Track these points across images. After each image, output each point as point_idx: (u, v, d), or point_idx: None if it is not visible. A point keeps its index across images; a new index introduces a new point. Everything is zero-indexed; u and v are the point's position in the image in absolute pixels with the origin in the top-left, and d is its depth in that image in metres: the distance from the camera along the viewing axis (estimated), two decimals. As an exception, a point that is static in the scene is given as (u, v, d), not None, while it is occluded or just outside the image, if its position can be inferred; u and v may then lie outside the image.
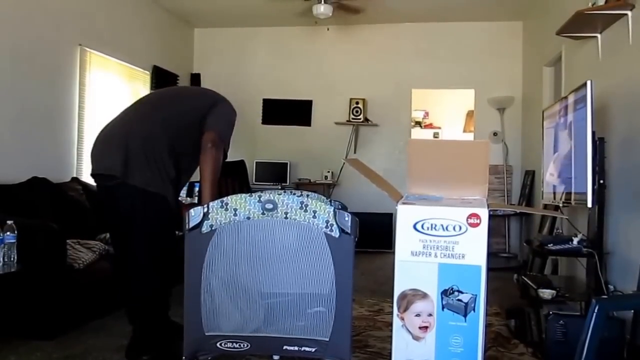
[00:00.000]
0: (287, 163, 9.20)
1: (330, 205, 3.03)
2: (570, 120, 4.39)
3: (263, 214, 2.83)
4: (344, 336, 2.84)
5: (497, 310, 5.02)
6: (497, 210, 7.84)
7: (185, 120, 3.74)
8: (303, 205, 2.80)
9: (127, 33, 7.65)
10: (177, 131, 3.68)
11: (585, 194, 3.93)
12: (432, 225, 2.63)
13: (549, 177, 4.97)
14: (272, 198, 2.83)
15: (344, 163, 8.86)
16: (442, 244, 2.63)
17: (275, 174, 9.18)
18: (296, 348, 2.87)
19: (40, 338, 4.11)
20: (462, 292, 2.61)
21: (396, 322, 2.70)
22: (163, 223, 3.64)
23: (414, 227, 2.64)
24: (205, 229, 2.85)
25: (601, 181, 4.10)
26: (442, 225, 2.62)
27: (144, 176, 3.53)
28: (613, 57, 4.79)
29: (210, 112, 3.76)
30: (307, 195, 3.27)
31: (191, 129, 3.69)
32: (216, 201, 2.87)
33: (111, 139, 3.69)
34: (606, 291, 4.09)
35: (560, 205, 4.74)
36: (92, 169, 3.70)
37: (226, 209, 2.84)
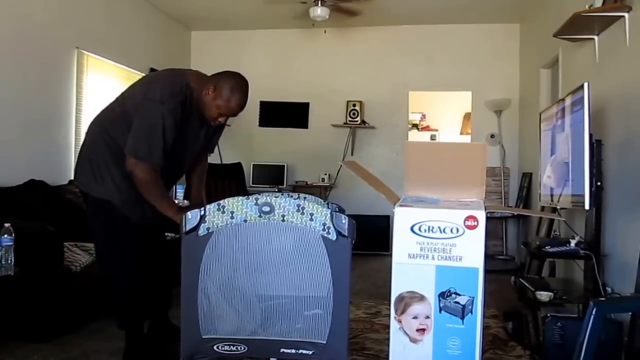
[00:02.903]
0: (284, 165, 9.20)
1: (328, 207, 3.02)
2: (568, 123, 4.39)
3: (260, 216, 2.82)
4: (341, 339, 2.83)
5: (495, 313, 5.01)
6: (494, 212, 7.85)
7: (115, 117, 3.63)
8: (300, 208, 2.79)
9: (124, 36, 7.64)
10: (113, 129, 3.58)
11: (583, 196, 3.92)
12: (429, 227, 2.63)
13: (546, 179, 4.97)
14: (269, 201, 2.82)
15: (341, 165, 8.86)
16: (439, 246, 2.62)
17: (272, 177, 9.17)
18: (293, 351, 2.86)
19: (37, 341, 4.10)
20: (459, 295, 2.60)
21: (393, 324, 2.69)
22: (111, 230, 3.66)
23: (411, 229, 2.63)
24: (202, 231, 2.84)
25: (598, 183, 4.11)
26: (439, 228, 2.62)
27: (87, 182, 3.71)
28: (610, 59, 4.80)
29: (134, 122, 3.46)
30: (304, 198, 3.26)
31: (122, 122, 3.55)
32: (213, 204, 2.86)
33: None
34: (604, 293, 4.09)
35: (558, 207, 4.74)
36: None
37: (223, 212, 2.83)
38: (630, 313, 3.57)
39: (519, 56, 8.73)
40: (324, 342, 2.82)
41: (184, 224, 2.86)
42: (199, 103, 3.54)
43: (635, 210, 4.19)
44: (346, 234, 2.77)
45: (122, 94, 3.80)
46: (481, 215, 2.58)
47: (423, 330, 2.65)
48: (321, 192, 8.86)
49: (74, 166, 3.87)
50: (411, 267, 2.64)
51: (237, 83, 3.57)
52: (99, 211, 3.67)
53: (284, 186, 9.09)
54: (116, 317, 3.82)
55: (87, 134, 3.81)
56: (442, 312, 2.62)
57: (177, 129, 3.49)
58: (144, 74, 7.85)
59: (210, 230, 2.84)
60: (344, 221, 2.77)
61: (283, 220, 2.80)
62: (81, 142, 3.90)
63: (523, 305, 4.58)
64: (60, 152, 6.34)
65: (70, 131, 6.47)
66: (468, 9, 8.19)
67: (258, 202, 2.82)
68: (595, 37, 5.02)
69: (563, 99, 4.58)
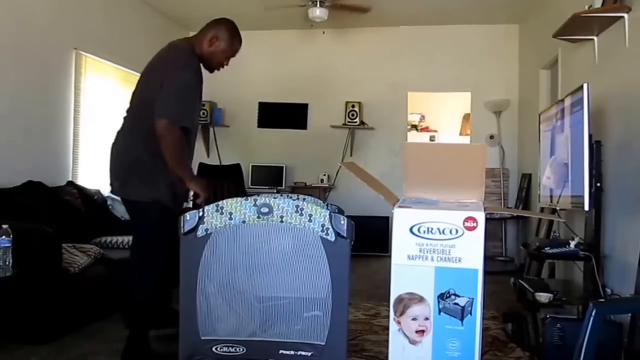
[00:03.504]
0: (282, 166, 9.19)
1: (326, 208, 3.02)
2: (567, 124, 4.39)
3: (259, 217, 2.82)
4: (340, 340, 2.82)
5: (494, 314, 5.01)
6: (493, 213, 7.85)
7: (148, 108, 3.62)
8: (299, 209, 2.78)
9: (122, 37, 7.63)
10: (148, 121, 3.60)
11: (582, 197, 3.91)
12: (428, 228, 2.62)
13: (546, 180, 4.96)
14: (268, 202, 2.82)
15: (340, 166, 8.84)
16: (438, 248, 2.61)
17: (271, 178, 9.16)
18: (292, 352, 2.85)
19: (35, 342, 4.09)
20: (458, 296, 2.59)
21: (392, 326, 2.68)
22: (159, 230, 3.69)
23: (411, 230, 2.63)
24: (200, 232, 2.83)
25: (598, 184, 4.09)
26: (438, 229, 2.61)
27: (135, 192, 3.75)
28: (610, 59, 4.79)
29: (162, 91, 3.59)
30: (303, 199, 3.25)
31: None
32: (211, 205, 2.85)
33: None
34: (603, 295, 4.08)
35: (557, 208, 4.74)
36: None
37: (221, 213, 2.83)
38: (629, 314, 3.57)
39: (518, 57, 8.72)
40: (323, 343, 2.82)
41: (182, 225, 2.85)
42: (206, 55, 3.86)
43: (635, 211, 4.18)
44: (345, 235, 2.76)
45: (138, 99, 3.88)
46: (480, 217, 2.57)
47: (422, 331, 2.64)
48: (320, 193, 8.84)
49: (111, 180, 3.94)
50: (410, 269, 2.64)
51: (231, 26, 4.02)
52: (150, 213, 3.68)
53: (283, 187, 9.08)
54: (130, 316, 3.81)
55: (125, 151, 3.83)
56: (442, 313, 2.61)
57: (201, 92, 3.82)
58: (142, 75, 7.87)
59: (208, 232, 2.84)
60: (342, 222, 2.77)
61: (282, 222, 2.80)
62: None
63: (522, 307, 4.59)
64: (58, 153, 6.32)
65: (69, 132, 6.45)
66: (467, 9, 8.18)
67: (257, 203, 2.81)
68: (595, 38, 5.01)
69: (562, 100, 4.57)
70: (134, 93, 3.93)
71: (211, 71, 3.98)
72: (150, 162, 3.65)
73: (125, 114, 3.94)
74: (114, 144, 3.93)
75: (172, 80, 3.62)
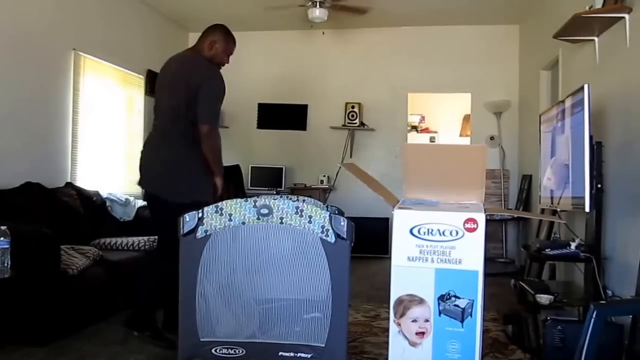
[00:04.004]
0: (282, 168, 9.17)
1: (326, 210, 3.01)
2: (568, 124, 4.38)
3: (258, 219, 2.81)
4: (339, 342, 2.82)
5: (495, 316, 4.99)
6: (494, 215, 7.84)
7: (184, 114, 4.06)
8: (298, 210, 2.78)
9: (121, 37, 7.61)
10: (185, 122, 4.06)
11: (583, 198, 3.90)
12: (428, 230, 2.61)
13: (547, 181, 4.95)
14: (268, 203, 2.81)
15: (339, 167, 8.83)
16: (438, 249, 2.60)
17: (271, 179, 9.14)
18: (292, 354, 2.85)
19: (33, 344, 4.07)
20: (459, 298, 2.59)
21: (393, 328, 2.67)
22: None
23: (411, 232, 2.62)
24: (200, 234, 2.83)
25: (599, 185, 4.08)
26: (438, 230, 2.60)
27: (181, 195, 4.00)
28: (610, 60, 4.78)
29: (198, 97, 4.03)
30: (303, 200, 3.24)
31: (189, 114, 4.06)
32: (211, 206, 2.85)
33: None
34: (604, 296, 4.07)
35: (558, 209, 4.73)
36: None
37: (221, 214, 2.82)
38: (630, 316, 3.56)
39: (518, 58, 8.71)
40: (323, 345, 2.81)
41: (181, 226, 2.85)
42: (213, 59, 4.31)
43: (635, 212, 4.17)
44: (345, 237, 2.76)
45: (168, 107, 4.21)
46: (481, 218, 2.56)
47: (422, 333, 2.63)
48: (320, 194, 8.83)
49: (156, 186, 4.18)
50: (410, 270, 2.63)
51: (225, 29, 4.43)
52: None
53: (283, 188, 9.06)
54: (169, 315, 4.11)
55: (160, 154, 4.18)
56: (442, 315, 2.61)
57: None
58: (141, 76, 7.91)
59: (208, 233, 2.84)
60: (342, 223, 2.76)
61: (281, 223, 2.80)
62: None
63: (523, 309, 4.57)
64: (57, 154, 6.29)
65: (67, 133, 6.42)
66: (467, 10, 8.17)
67: (256, 204, 2.81)
68: (596, 39, 5.00)
69: (563, 101, 4.56)
70: (159, 102, 4.33)
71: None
72: (189, 164, 4.07)
73: (155, 121, 4.34)
74: (147, 146, 4.34)
75: (207, 88, 4.07)
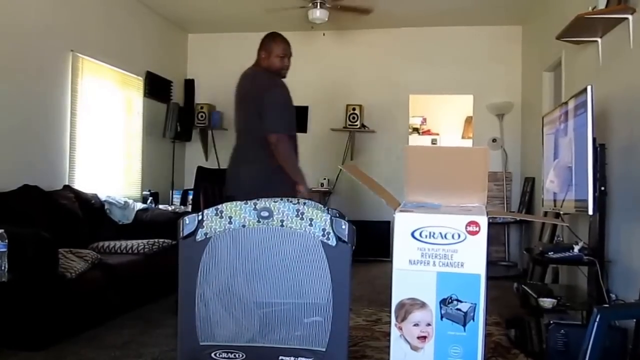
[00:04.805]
0: (283, 170, 9.13)
1: (327, 213, 2.98)
2: (571, 126, 4.35)
3: (258, 221, 2.78)
4: (341, 346, 2.79)
5: (497, 320, 4.97)
6: (496, 217, 7.82)
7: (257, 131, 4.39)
8: (299, 213, 2.75)
9: (120, 39, 7.60)
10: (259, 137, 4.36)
11: (586, 201, 3.88)
12: (430, 233, 2.58)
13: (549, 184, 4.93)
14: (268, 206, 2.78)
15: (340, 170, 8.81)
16: (440, 253, 2.57)
17: (271, 181, 9.10)
18: (292, 358, 2.82)
19: (31, 349, 4.05)
20: (461, 302, 2.56)
21: (394, 332, 2.64)
22: None
23: (412, 235, 2.59)
24: (199, 237, 2.80)
25: (602, 188, 4.06)
26: (440, 233, 2.57)
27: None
28: (614, 61, 4.76)
29: (262, 109, 4.33)
30: (304, 203, 3.22)
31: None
32: (211, 209, 2.82)
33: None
34: (608, 300, 4.05)
35: (561, 212, 4.70)
36: None
37: (221, 217, 2.79)
38: (634, 320, 3.53)
39: (521, 59, 8.68)
40: (324, 349, 2.78)
41: (181, 229, 2.82)
42: (270, 68, 4.56)
43: (639, 215, 4.14)
44: (346, 240, 2.73)
45: (243, 125, 4.58)
46: (483, 221, 2.53)
47: (424, 337, 2.61)
48: (320, 197, 8.80)
49: (232, 189, 4.43)
50: (412, 274, 2.60)
51: (268, 36, 4.64)
52: None
53: (283, 191, 9.02)
54: None
55: (243, 168, 4.48)
56: (444, 319, 2.58)
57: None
58: (140, 78, 7.91)
59: (208, 236, 2.81)
60: (343, 227, 2.74)
61: (282, 226, 2.77)
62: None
63: (526, 312, 4.56)
64: (54, 157, 6.27)
65: (65, 135, 6.40)
66: (469, 11, 8.15)
67: (257, 207, 2.78)
68: (599, 40, 4.97)
69: (566, 103, 4.54)
70: (235, 119, 4.68)
71: (283, 77, 4.65)
72: (269, 176, 4.35)
73: (237, 139, 4.66)
74: (230, 163, 4.63)
75: (268, 100, 4.34)
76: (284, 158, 4.38)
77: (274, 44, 4.58)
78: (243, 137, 4.58)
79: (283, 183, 4.36)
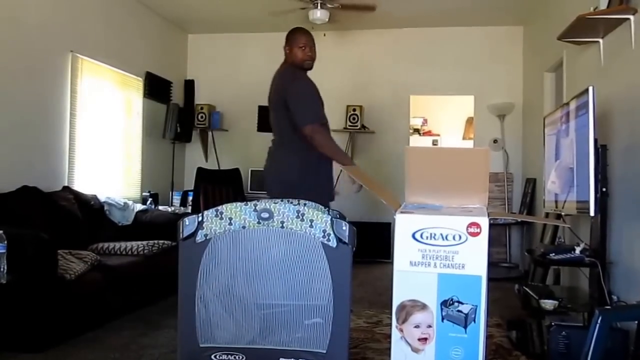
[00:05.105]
0: (283, 171, 9.12)
1: (328, 214, 2.97)
2: (572, 127, 4.34)
3: (259, 223, 2.77)
4: (341, 348, 2.78)
5: (498, 322, 4.96)
6: (497, 219, 7.78)
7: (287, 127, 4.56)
8: (299, 214, 2.74)
9: (119, 39, 7.59)
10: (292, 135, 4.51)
11: (588, 202, 3.87)
12: (431, 234, 2.57)
13: (551, 185, 4.92)
14: (268, 207, 2.77)
15: (341, 171, 8.78)
16: (441, 254, 2.56)
17: (271, 183, 9.09)
18: (293, 360, 2.81)
19: (30, 351, 4.03)
20: (462, 303, 2.55)
21: (395, 333, 2.63)
22: None
23: (413, 236, 2.58)
24: (199, 238, 2.79)
25: (604, 189, 4.05)
26: (441, 235, 2.56)
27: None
28: (615, 62, 4.74)
29: (290, 106, 4.45)
30: (304, 204, 3.21)
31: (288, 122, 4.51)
32: (211, 210, 2.81)
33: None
34: (609, 301, 4.04)
35: (563, 213, 4.69)
36: None
37: (221, 218, 2.78)
38: (636, 322, 3.51)
39: (522, 59, 8.68)
40: (324, 351, 2.77)
41: (181, 230, 2.81)
42: (294, 62, 4.70)
43: (641, 216, 4.14)
44: (347, 241, 2.72)
45: (277, 126, 4.78)
46: (484, 222, 2.52)
47: (425, 339, 2.60)
48: (321, 197, 8.77)
49: (272, 187, 4.62)
50: (413, 275, 2.59)
51: (291, 30, 4.77)
52: None
53: (284, 192, 9.00)
54: None
55: (281, 167, 4.64)
56: (445, 321, 2.57)
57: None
58: (139, 78, 7.90)
59: (208, 237, 2.80)
60: (344, 228, 2.73)
61: (282, 227, 2.76)
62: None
63: (527, 314, 4.55)
64: (54, 158, 6.26)
65: (65, 136, 6.39)
66: (470, 11, 8.15)
67: (257, 208, 2.77)
68: (600, 40, 4.95)
69: (567, 103, 4.53)
70: (271, 119, 4.87)
71: (310, 68, 4.74)
72: (310, 170, 4.54)
73: (272, 137, 4.88)
74: (267, 159, 4.82)
75: (291, 94, 4.48)
76: (322, 146, 4.45)
77: (294, 37, 4.69)
78: (277, 134, 4.74)
79: (320, 175, 4.63)
